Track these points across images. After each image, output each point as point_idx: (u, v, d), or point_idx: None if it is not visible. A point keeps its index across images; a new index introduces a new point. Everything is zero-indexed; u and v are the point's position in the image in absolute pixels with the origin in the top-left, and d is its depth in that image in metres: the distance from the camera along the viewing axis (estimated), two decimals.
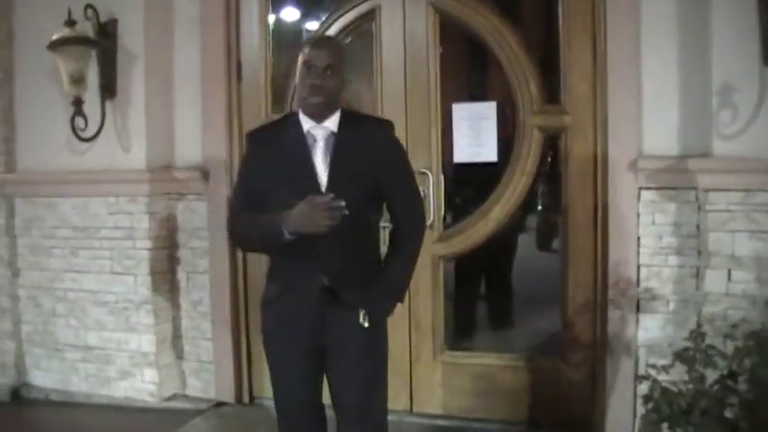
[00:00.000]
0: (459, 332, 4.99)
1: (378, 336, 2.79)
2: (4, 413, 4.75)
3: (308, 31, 5.05)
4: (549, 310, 4.44)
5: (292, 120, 2.75)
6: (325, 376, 2.82)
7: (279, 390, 2.85)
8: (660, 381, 3.10)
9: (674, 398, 2.98)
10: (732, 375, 3.03)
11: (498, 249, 4.83)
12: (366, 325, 2.69)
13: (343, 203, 2.47)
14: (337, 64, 2.66)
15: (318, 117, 2.68)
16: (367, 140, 2.71)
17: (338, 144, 2.68)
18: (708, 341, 3.07)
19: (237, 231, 2.83)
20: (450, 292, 4.96)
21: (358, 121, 2.82)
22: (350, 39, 4.45)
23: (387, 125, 2.88)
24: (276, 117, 3.50)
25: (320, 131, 2.69)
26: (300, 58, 2.66)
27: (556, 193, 4.16)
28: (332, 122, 2.70)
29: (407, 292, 4.11)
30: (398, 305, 2.88)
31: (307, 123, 2.69)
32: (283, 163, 2.69)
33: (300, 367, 2.76)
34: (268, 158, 2.73)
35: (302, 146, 2.69)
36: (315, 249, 2.62)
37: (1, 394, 4.90)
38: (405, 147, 4.03)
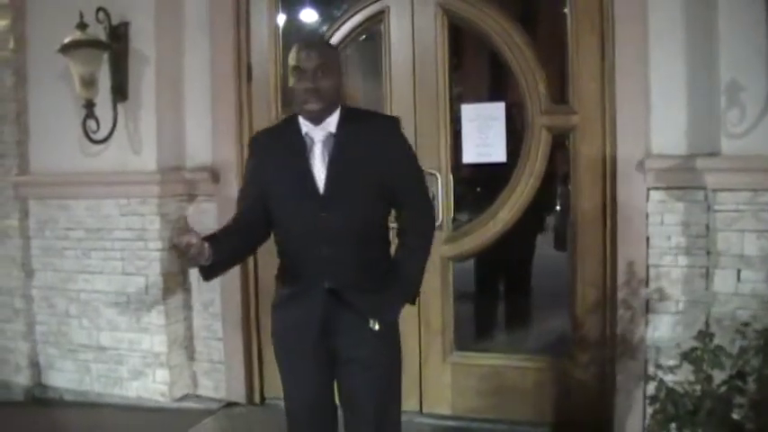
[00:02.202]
0: (472, 333, 4.99)
1: (389, 341, 2.76)
2: (19, 413, 4.78)
3: (318, 31, 5.06)
4: (560, 309, 4.43)
5: (293, 123, 2.71)
6: (336, 382, 2.80)
7: (289, 394, 2.82)
8: (667, 381, 3.09)
9: (679, 398, 2.97)
10: (741, 375, 3.02)
11: (515, 250, 4.83)
12: (376, 328, 2.65)
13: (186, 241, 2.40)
14: (330, 63, 2.60)
15: (316, 120, 2.62)
16: (369, 139, 2.65)
17: (336, 145, 2.63)
18: (717, 341, 3.06)
19: None
20: (466, 292, 4.98)
21: (360, 119, 2.72)
22: (359, 40, 4.48)
23: (391, 121, 2.82)
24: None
25: (318, 133, 2.64)
26: (290, 63, 2.62)
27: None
28: (330, 123, 2.64)
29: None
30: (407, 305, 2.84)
31: (305, 126, 2.66)
32: (283, 166, 2.67)
33: (310, 371, 2.74)
34: (269, 162, 2.71)
35: (300, 149, 2.65)
36: (320, 253, 2.61)
37: (16, 394, 4.96)
38: (412, 144, 4.08)
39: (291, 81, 2.61)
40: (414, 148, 4.07)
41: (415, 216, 2.77)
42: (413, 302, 2.84)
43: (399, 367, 2.84)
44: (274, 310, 2.84)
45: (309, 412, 2.80)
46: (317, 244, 2.60)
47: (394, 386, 2.80)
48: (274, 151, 2.73)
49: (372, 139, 2.66)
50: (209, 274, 2.62)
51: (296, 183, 2.64)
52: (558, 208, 5.74)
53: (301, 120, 2.67)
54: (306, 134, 2.66)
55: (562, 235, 6.39)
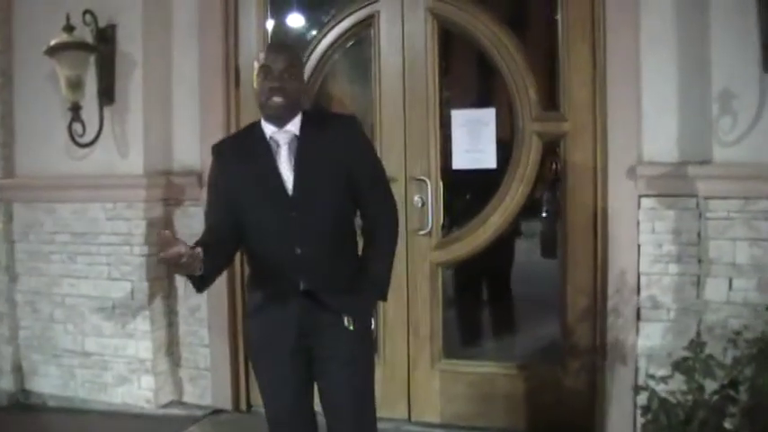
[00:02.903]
0: (459, 340, 4.96)
1: (364, 338, 2.79)
2: (2, 419, 4.73)
3: (306, 37, 5.03)
4: (547, 316, 4.41)
5: (255, 128, 2.75)
6: (315, 383, 2.81)
7: (269, 400, 2.83)
8: (658, 391, 3.07)
9: (672, 408, 2.95)
10: (733, 384, 3.00)
11: (496, 256, 4.78)
12: (351, 328, 2.68)
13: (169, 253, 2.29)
14: (296, 67, 2.69)
15: (280, 121, 2.66)
16: (331, 139, 2.69)
17: (301, 147, 2.67)
18: (708, 350, 3.05)
19: None
20: (448, 299, 4.94)
21: (321, 120, 2.79)
22: (349, 45, 4.45)
23: (350, 121, 2.86)
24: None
25: (282, 136, 2.68)
26: (257, 65, 2.67)
27: (559, 200, 4.13)
28: (294, 126, 2.69)
29: (402, 296, 4.22)
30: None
31: (269, 129, 2.69)
32: (250, 172, 2.68)
33: (289, 376, 2.75)
34: (234, 169, 2.72)
35: (266, 152, 2.68)
36: (291, 255, 2.62)
37: None
38: (401, 150, 4.05)
39: (257, 81, 2.66)
40: (403, 153, 4.13)
41: (379, 213, 2.82)
42: (384, 299, 2.88)
43: (373, 367, 2.88)
44: (249, 318, 2.86)
45: (289, 418, 2.81)
46: (289, 245, 2.62)
47: (369, 385, 2.82)
48: (239, 157, 2.73)
49: (335, 139, 2.70)
50: (201, 284, 2.59)
51: (264, 186, 2.66)
52: (544, 214, 5.70)
53: (264, 124, 2.71)
54: (270, 138, 2.69)
55: (549, 242, 6.36)
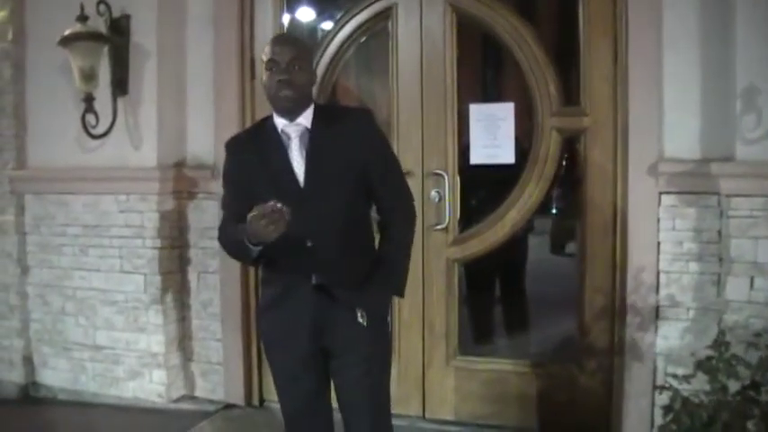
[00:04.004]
0: (473, 337, 4.92)
1: (380, 334, 2.76)
2: (12, 411, 4.73)
3: (322, 29, 4.99)
4: (562, 314, 4.36)
5: (267, 122, 2.72)
6: (331, 379, 2.78)
7: (285, 398, 2.81)
8: (681, 391, 3.03)
9: (695, 409, 2.90)
10: (754, 386, 2.96)
11: (510, 252, 4.73)
12: (365, 324, 2.64)
13: (279, 205, 2.31)
14: (303, 58, 2.64)
15: (291, 114, 2.63)
16: (344, 132, 2.65)
17: (313, 139, 2.64)
18: (731, 350, 3.00)
19: (224, 246, 2.78)
20: (461, 295, 4.90)
21: (334, 114, 2.78)
22: (365, 38, 4.40)
23: (364, 114, 2.82)
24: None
25: (294, 129, 2.64)
26: (263, 58, 2.63)
27: (570, 196, 4.08)
28: (305, 118, 2.65)
29: (418, 292, 4.18)
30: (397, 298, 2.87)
31: (281, 123, 2.66)
32: (262, 165, 2.66)
33: (304, 373, 2.72)
34: (247, 163, 2.70)
35: (278, 145, 2.65)
36: (305, 249, 2.59)
37: (9, 392, 4.90)
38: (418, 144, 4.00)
39: (265, 75, 2.62)
40: (421, 148, 4.09)
41: (395, 207, 2.78)
42: (401, 295, 2.83)
43: (389, 364, 2.85)
44: (263, 314, 2.83)
45: (305, 415, 2.79)
46: (301, 238, 2.58)
47: (385, 382, 2.80)
48: (252, 152, 2.71)
49: (348, 132, 2.67)
50: (257, 260, 2.62)
51: (276, 178, 2.63)
52: (554, 210, 5.65)
53: (276, 118, 2.68)
54: (282, 131, 2.66)
55: (559, 238, 6.31)
